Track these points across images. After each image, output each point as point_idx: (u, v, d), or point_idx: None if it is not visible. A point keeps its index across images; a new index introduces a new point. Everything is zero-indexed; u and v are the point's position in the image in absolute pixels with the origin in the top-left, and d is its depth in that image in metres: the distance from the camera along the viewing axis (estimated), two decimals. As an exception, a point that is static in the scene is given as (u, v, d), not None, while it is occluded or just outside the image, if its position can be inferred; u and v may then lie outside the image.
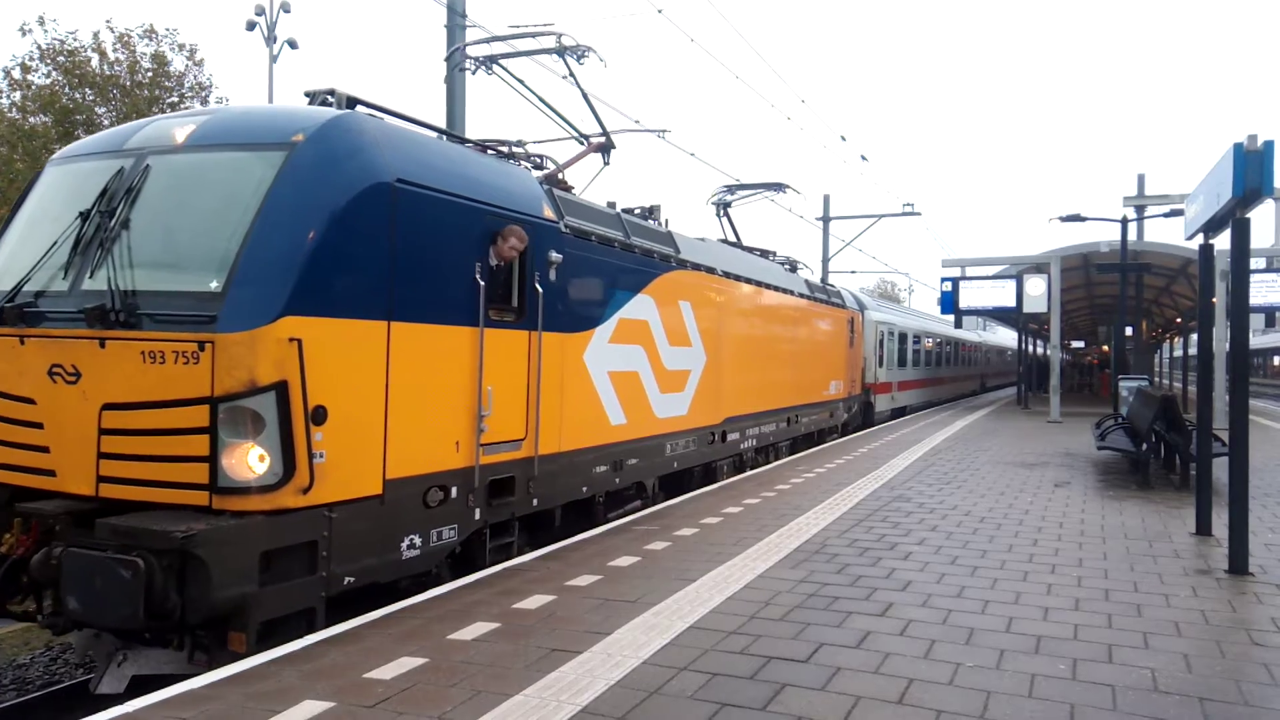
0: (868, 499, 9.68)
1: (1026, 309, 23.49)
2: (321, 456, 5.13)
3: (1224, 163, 6.41)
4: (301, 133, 5.51)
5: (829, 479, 11.22)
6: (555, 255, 7.32)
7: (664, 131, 13.37)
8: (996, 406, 29.28)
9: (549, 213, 7.45)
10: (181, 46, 22.68)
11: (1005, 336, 56.56)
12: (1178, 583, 6.23)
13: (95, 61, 21.84)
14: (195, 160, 5.64)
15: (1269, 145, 6.12)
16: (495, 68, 8.72)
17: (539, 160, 8.34)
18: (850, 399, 18.94)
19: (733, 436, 11.83)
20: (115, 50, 22.01)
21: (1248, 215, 6.56)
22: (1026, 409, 27.60)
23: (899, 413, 24.48)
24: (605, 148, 9.35)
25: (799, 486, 10.55)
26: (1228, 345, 7.14)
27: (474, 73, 8.76)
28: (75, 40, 21.75)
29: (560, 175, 8.63)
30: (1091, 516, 8.81)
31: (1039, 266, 24.06)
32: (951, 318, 28.03)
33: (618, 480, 8.73)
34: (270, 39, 21.47)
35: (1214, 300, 9.14)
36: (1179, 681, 4.32)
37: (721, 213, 14.75)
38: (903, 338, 25.07)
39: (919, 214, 31.80)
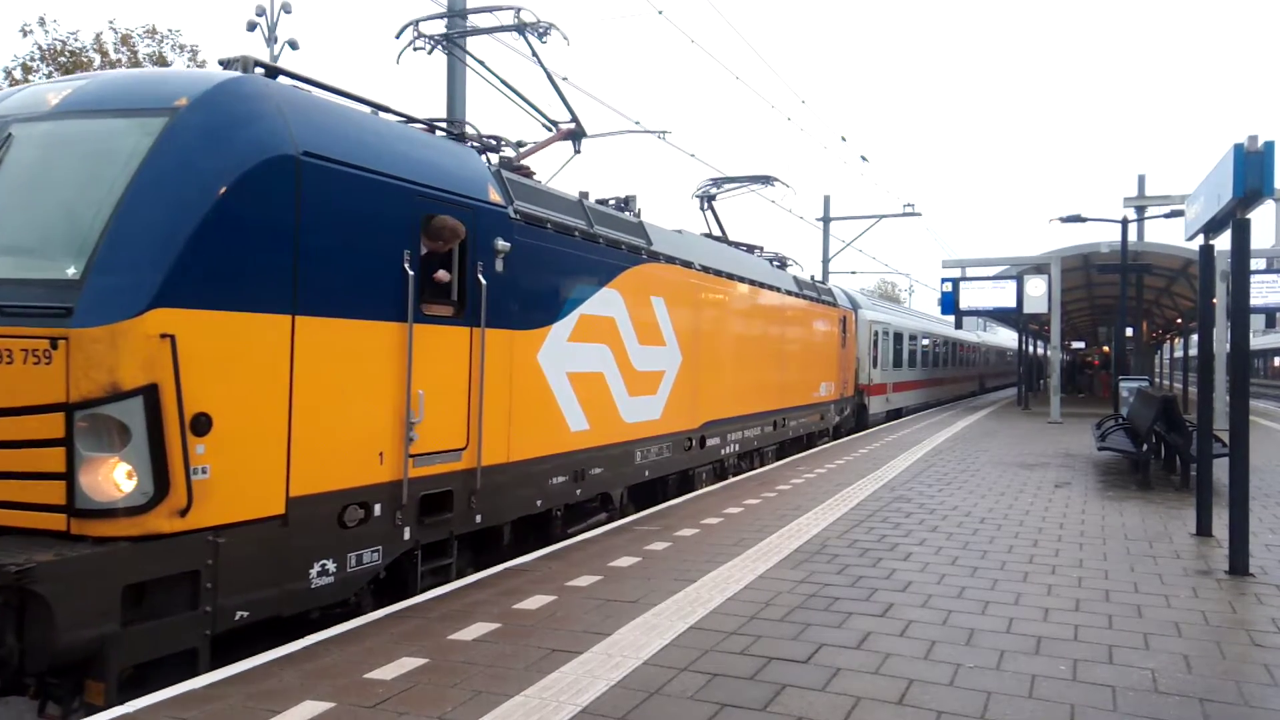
0: (868, 500, 9.68)
1: (1027, 310, 23.51)
2: (204, 472, 4.47)
3: (1224, 163, 6.41)
4: (186, 96, 4.80)
5: (829, 480, 11.22)
6: (502, 243, 6.62)
7: (664, 132, 13.42)
8: (997, 407, 29.28)
9: (495, 196, 6.73)
10: (183, 48, 22.71)
11: (1004, 337, 56.48)
12: (1178, 583, 6.23)
13: (97, 62, 21.86)
14: (64, 128, 4.90)
15: (1269, 146, 6.12)
16: (453, 47, 8.17)
17: (494, 142, 7.75)
18: (842, 401, 18.32)
19: (712, 442, 11.13)
20: (117, 51, 22.04)
21: (1248, 216, 6.56)
22: (1027, 410, 27.60)
23: (894, 415, 24.00)
24: (575, 135, 8.84)
25: (799, 487, 10.55)
26: (1228, 346, 7.14)
27: (430, 52, 8.13)
28: (77, 41, 21.78)
29: (521, 161, 8.15)
30: (1092, 517, 8.80)
31: (1039, 267, 24.07)
32: (949, 317, 27.90)
33: (579, 492, 7.99)
34: (271, 39, 21.48)
35: (1214, 301, 9.14)
36: (1179, 682, 4.32)
37: (706, 206, 14.14)
38: (898, 338, 24.45)
39: (919, 214, 31.83)
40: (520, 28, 8.19)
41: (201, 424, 4.45)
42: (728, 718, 3.86)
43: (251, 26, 21.27)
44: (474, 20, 8.16)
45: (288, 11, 20.95)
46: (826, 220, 34.74)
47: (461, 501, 6.33)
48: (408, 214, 5.79)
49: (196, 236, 4.48)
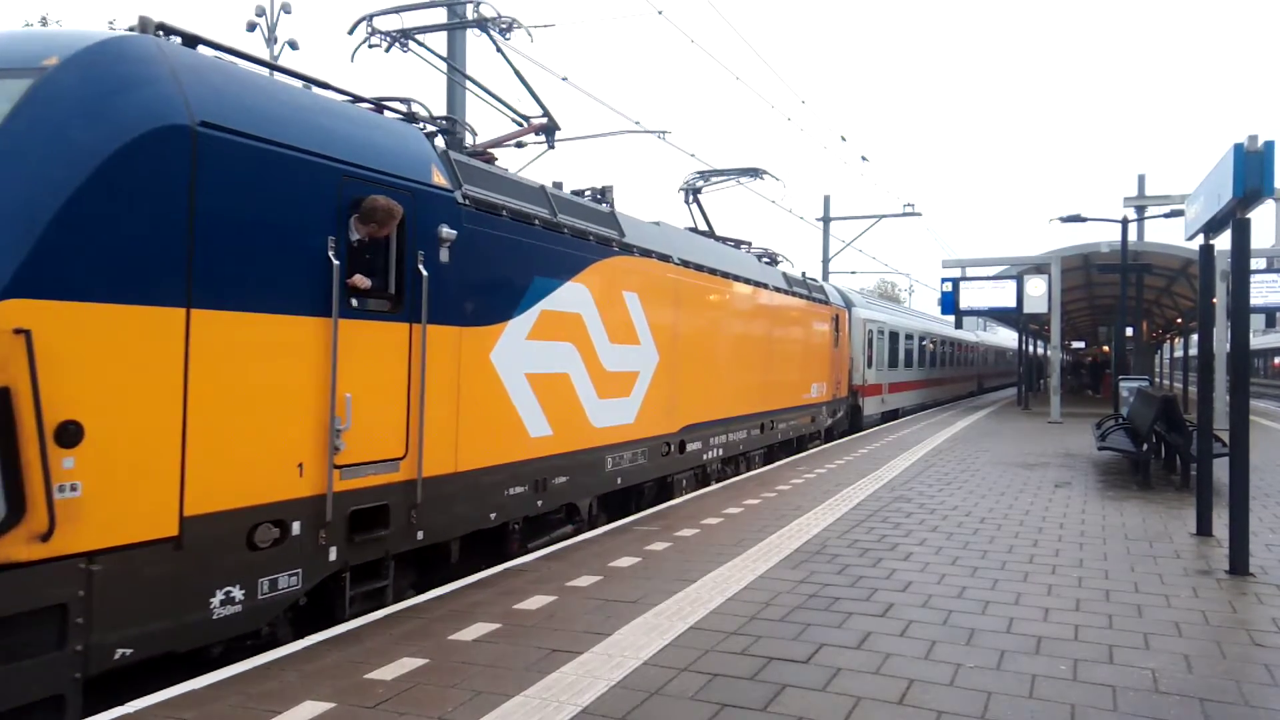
0: (868, 500, 9.68)
1: (1027, 309, 23.50)
2: (73, 490, 3.92)
3: (1224, 163, 6.41)
4: (56, 55, 4.24)
5: (829, 480, 11.22)
6: (448, 231, 6.04)
7: (664, 133, 13.41)
8: (997, 407, 29.28)
9: (440, 179, 6.15)
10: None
11: (1003, 336, 56.44)
12: (1178, 583, 6.23)
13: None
14: None
15: (1269, 146, 6.12)
16: (411, 44, 7.58)
17: (450, 124, 7.20)
18: (835, 402, 17.73)
19: (693, 446, 10.52)
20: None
21: (1248, 216, 6.56)
22: (1027, 409, 27.60)
23: (890, 416, 23.53)
24: (547, 129, 8.45)
25: (799, 487, 10.54)
26: (1228, 346, 7.14)
27: (387, 50, 7.53)
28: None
29: (488, 151, 7.80)
30: (1092, 517, 8.80)
31: (1039, 267, 24.06)
32: (947, 316, 27.84)
33: (540, 503, 7.35)
34: (271, 40, 21.48)
35: (1214, 301, 9.13)
36: (1179, 682, 4.32)
37: (691, 199, 13.53)
38: (894, 337, 23.88)
39: (919, 214, 31.84)
40: (480, 23, 7.73)
41: (69, 434, 3.89)
42: (728, 718, 3.85)
43: (251, 27, 21.27)
44: (432, 15, 7.77)
45: (287, 12, 20.96)
46: (826, 220, 34.76)
47: (400, 517, 5.73)
48: (332, 195, 5.19)
49: (62, 217, 3.93)
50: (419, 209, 5.87)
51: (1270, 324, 24.90)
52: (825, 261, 34.40)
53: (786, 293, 14.29)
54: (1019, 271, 24.09)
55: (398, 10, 7.63)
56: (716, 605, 5.52)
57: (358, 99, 6.34)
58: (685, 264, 10.35)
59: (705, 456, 10.96)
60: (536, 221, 7.30)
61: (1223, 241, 7.35)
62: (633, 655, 4.59)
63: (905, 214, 31.87)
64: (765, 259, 14.55)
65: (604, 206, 9.04)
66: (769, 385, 13.33)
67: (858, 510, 9.00)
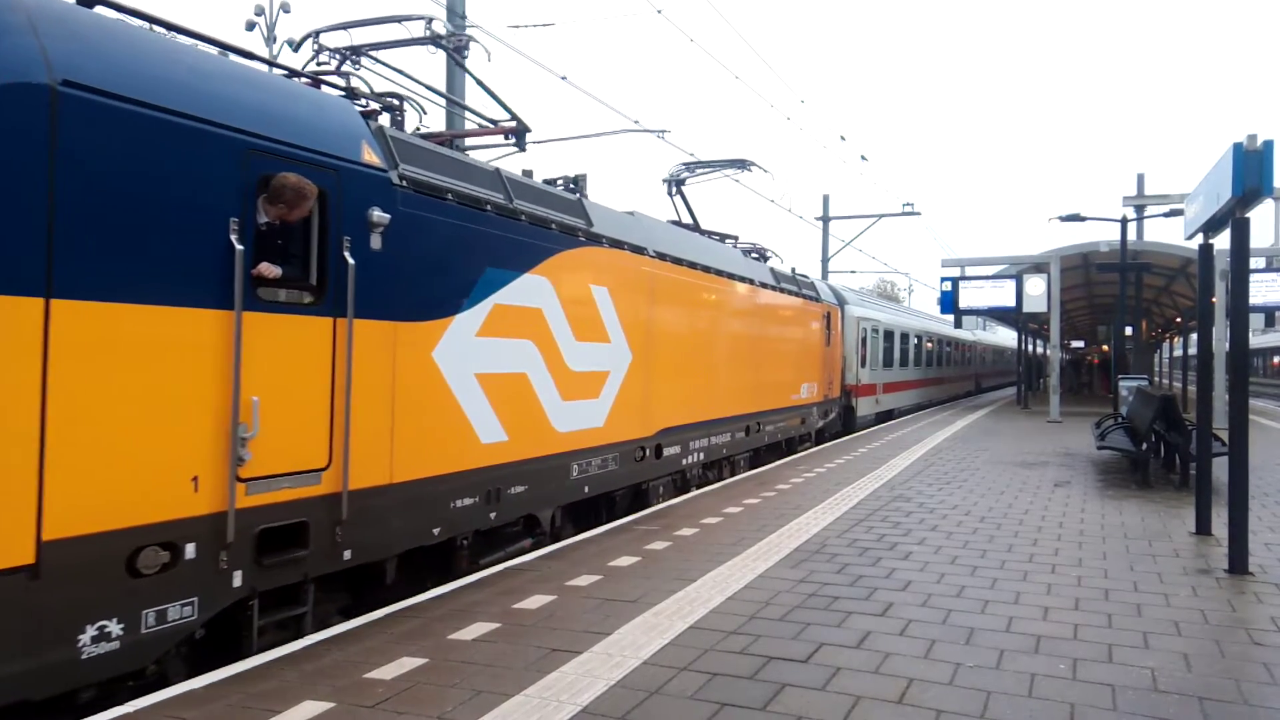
0: (868, 499, 9.68)
1: (1026, 309, 23.51)
2: None
3: (1223, 162, 6.41)
4: None
5: (829, 479, 11.22)
6: (380, 215, 5.47)
7: (664, 132, 13.41)
8: (996, 406, 29.28)
9: (371, 157, 5.56)
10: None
11: (1001, 335, 56.40)
12: (1178, 582, 6.23)
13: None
14: None
15: (1268, 145, 6.12)
16: (363, 60, 7.09)
17: (392, 104, 6.64)
18: (826, 403, 17.15)
19: (670, 451, 9.90)
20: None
21: (1247, 215, 6.56)
22: (1026, 409, 27.61)
23: (884, 417, 23.10)
24: (517, 133, 8.05)
25: (799, 486, 10.55)
26: (1227, 345, 7.15)
27: (338, 68, 6.92)
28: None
29: (453, 142, 7.53)
30: (1091, 516, 8.81)
31: (1039, 266, 24.08)
32: (946, 316, 27.82)
33: (493, 515, 6.74)
34: (270, 39, 21.47)
35: (1214, 300, 9.14)
36: (1179, 681, 4.32)
37: (674, 190, 12.89)
38: (888, 335, 23.40)
39: (919, 214, 31.86)
40: (434, 40, 7.31)
41: None
42: (728, 717, 3.86)
43: (250, 26, 21.25)
44: (383, 31, 7.31)
45: (286, 11, 20.95)
46: (826, 219, 34.77)
47: (321, 535, 5.12)
48: (234, 171, 4.60)
49: None
50: (345, 189, 5.26)
51: (1269, 323, 24.91)
52: (824, 261, 34.41)
53: (774, 289, 13.72)
54: (1018, 271, 24.10)
55: (345, 26, 7.09)
56: (716, 604, 5.52)
57: (294, 73, 5.96)
58: (662, 257, 9.76)
59: (685, 461, 10.37)
60: (489, 207, 6.68)
61: (1222, 241, 7.35)
62: (632, 654, 4.59)
63: (905, 213, 31.90)
64: (754, 255, 14.10)
65: (570, 194, 8.46)
66: (755, 385, 12.77)
67: (857, 509, 9.00)
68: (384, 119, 6.47)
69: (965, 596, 5.80)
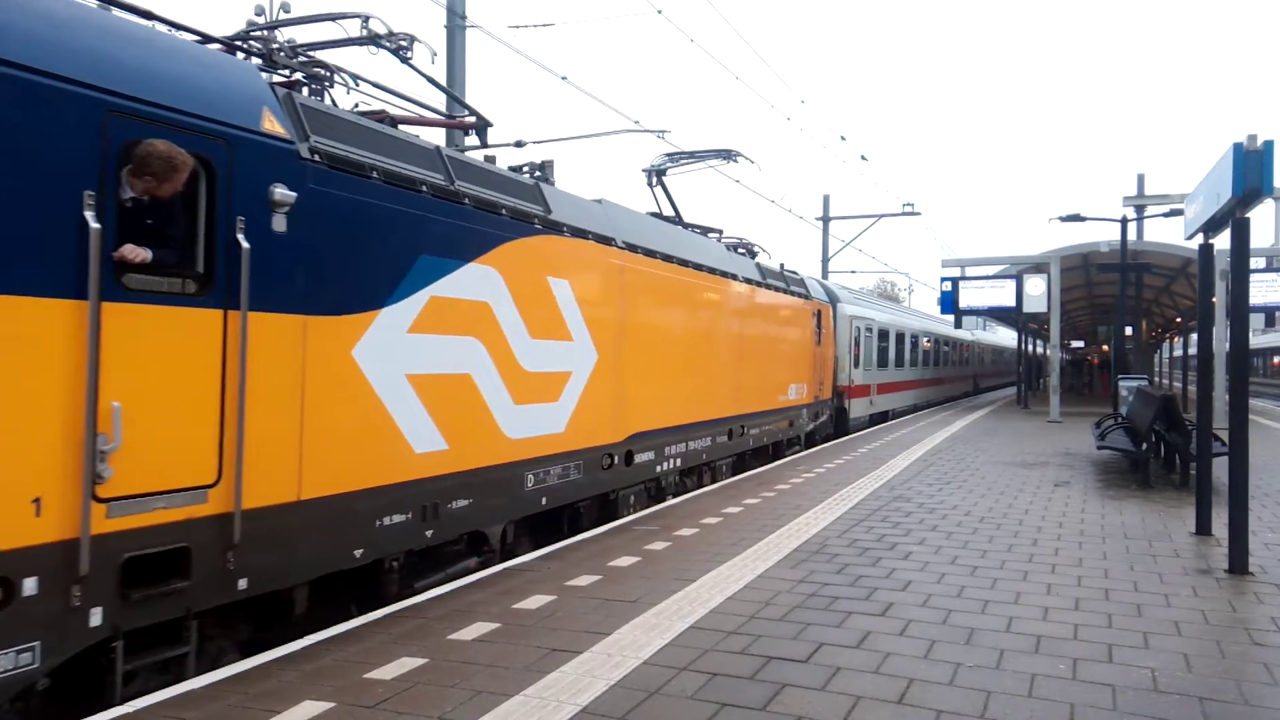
0: (867, 499, 9.68)
1: (1026, 309, 23.51)
2: None
3: (1224, 162, 6.41)
4: None
5: (828, 479, 11.22)
6: (284, 192, 4.80)
7: (664, 132, 13.40)
8: (996, 406, 29.29)
9: (274, 126, 4.86)
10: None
11: (1000, 335, 56.33)
12: (1178, 582, 6.23)
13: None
14: None
15: (1269, 145, 6.12)
16: (300, 58, 6.46)
17: (318, 74, 6.12)
18: (817, 404, 16.44)
19: (643, 458, 9.23)
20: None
21: (1247, 215, 6.56)
22: (1026, 409, 27.62)
23: (879, 419, 22.40)
24: (476, 128, 7.67)
25: (798, 487, 10.55)
26: (1227, 345, 7.14)
27: (272, 73, 6.19)
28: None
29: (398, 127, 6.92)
30: (1091, 516, 8.81)
31: (1039, 266, 24.08)
32: (946, 317, 27.76)
33: (430, 533, 6.07)
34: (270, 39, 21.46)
35: (1214, 300, 9.14)
36: (1179, 681, 4.32)
37: (655, 181, 12.31)
38: (883, 335, 22.73)
39: (919, 214, 31.87)
40: (373, 39, 6.81)
41: None
42: (727, 717, 3.85)
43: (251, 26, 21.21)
44: (319, 30, 6.88)
45: (286, 11, 20.95)
46: (826, 220, 34.78)
47: (208, 562, 4.46)
48: (90, 136, 3.97)
49: None
50: (239, 162, 4.57)
51: (1269, 323, 24.91)
52: (825, 261, 34.42)
53: (760, 285, 13.04)
54: (1018, 271, 24.10)
55: (278, 25, 6.59)
56: (716, 604, 5.52)
57: (207, 39, 5.48)
58: (632, 249, 9.04)
59: (659, 468, 9.66)
60: (425, 188, 6.03)
61: (1222, 241, 7.35)
62: (632, 655, 4.59)
63: (905, 213, 31.91)
64: (742, 250, 13.54)
65: (527, 178, 7.77)
66: (738, 387, 12.11)
67: (857, 509, 9.00)
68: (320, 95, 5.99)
69: (965, 596, 5.80)
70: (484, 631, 4.97)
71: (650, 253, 9.48)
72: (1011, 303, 23.26)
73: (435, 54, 7.46)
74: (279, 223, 4.85)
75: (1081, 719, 3.87)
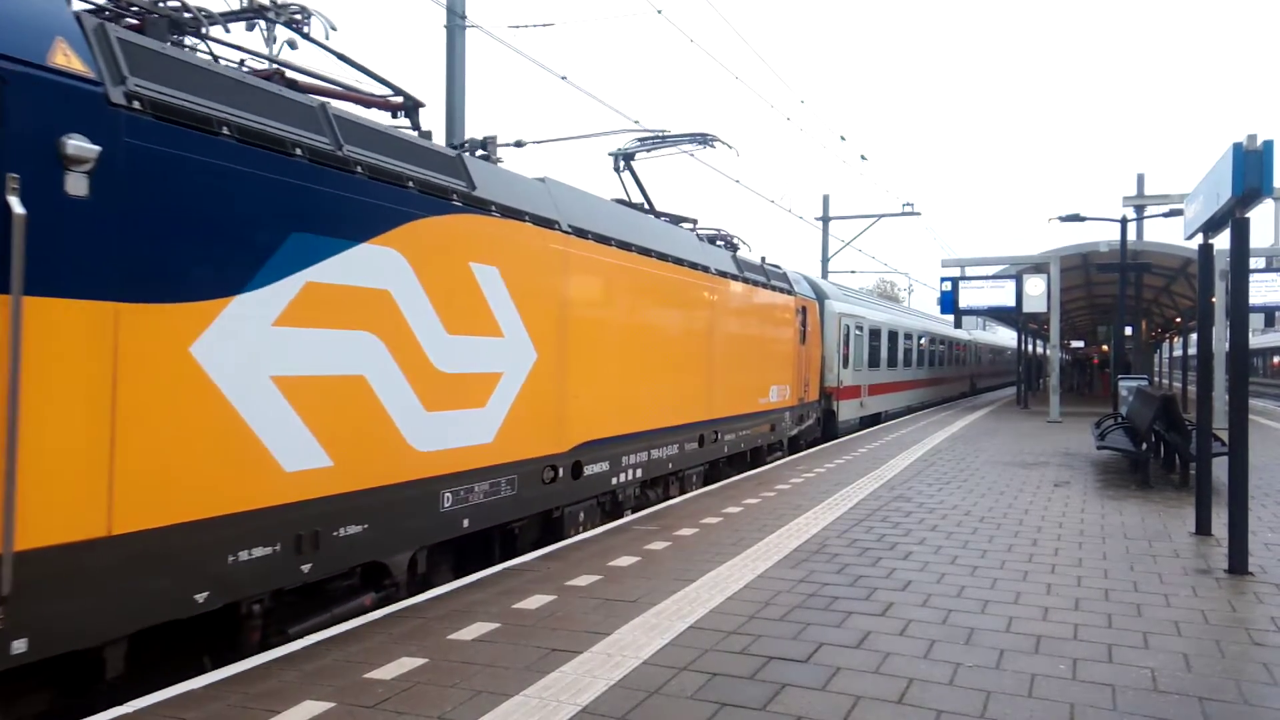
0: (867, 499, 9.68)
1: (1026, 309, 23.53)
2: None
3: (1223, 162, 6.41)
4: None
5: (828, 479, 11.22)
6: (82, 146, 3.87)
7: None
8: (996, 406, 29.29)
9: (72, 63, 3.95)
10: (181, 47, 22.67)
11: (999, 335, 56.26)
12: (1178, 582, 6.24)
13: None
14: None
15: (1268, 145, 6.13)
16: (189, 37, 5.53)
17: (177, 17, 5.27)
18: (802, 407, 15.55)
19: (595, 469, 8.28)
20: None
21: (1247, 215, 6.57)
22: (1026, 409, 27.62)
23: (870, 421, 21.64)
24: (404, 109, 6.81)
25: (798, 487, 10.55)
26: (1227, 345, 7.15)
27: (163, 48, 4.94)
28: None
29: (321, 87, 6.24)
30: (1091, 516, 8.81)
31: (1039, 266, 24.10)
32: (939, 313, 27.66)
33: (308, 567, 5.03)
34: (270, 39, 21.49)
35: (1213, 300, 9.14)
36: (1179, 681, 4.32)
37: (622, 167, 11.48)
38: (874, 334, 21.87)
39: (919, 214, 31.87)
40: (258, 11, 6.03)
41: None
42: (727, 717, 3.86)
43: (251, 27, 21.23)
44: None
45: (287, 11, 20.95)
46: (826, 219, 34.78)
47: None
48: None
49: None
50: (9, 104, 3.69)
51: (1269, 323, 24.91)
52: (825, 261, 34.43)
53: (737, 279, 12.10)
54: (1018, 271, 24.12)
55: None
56: (716, 604, 5.52)
57: None
58: (581, 234, 8.04)
59: (614, 481, 8.68)
60: (299, 151, 5.05)
61: (1222, 241, 7.36)
62: (632, 654, 4.59)
63: (904, 213, 31.90)
64: (721, 242, 12.76)
65: (444, 148, 6.70)
66: (712, 388, 11.14)
67: (857, 509, 9.00)
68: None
69: (965, 596, 5.80)
70: (484, 631, 4.97)
71: (604, 239, 8.47)
72: (1011, 303, 23.29)
73: (334, 28, 6.46)
74: (76, 184, 3.90)
75: (1081, 719, 3.87)
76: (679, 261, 10.17)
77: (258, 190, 4.78)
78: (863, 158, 30.98)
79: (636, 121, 13.60)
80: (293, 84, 5.83)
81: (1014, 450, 15.10)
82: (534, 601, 5.56)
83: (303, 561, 5.03)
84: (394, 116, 6.83)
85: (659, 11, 13.73)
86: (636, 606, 5.47)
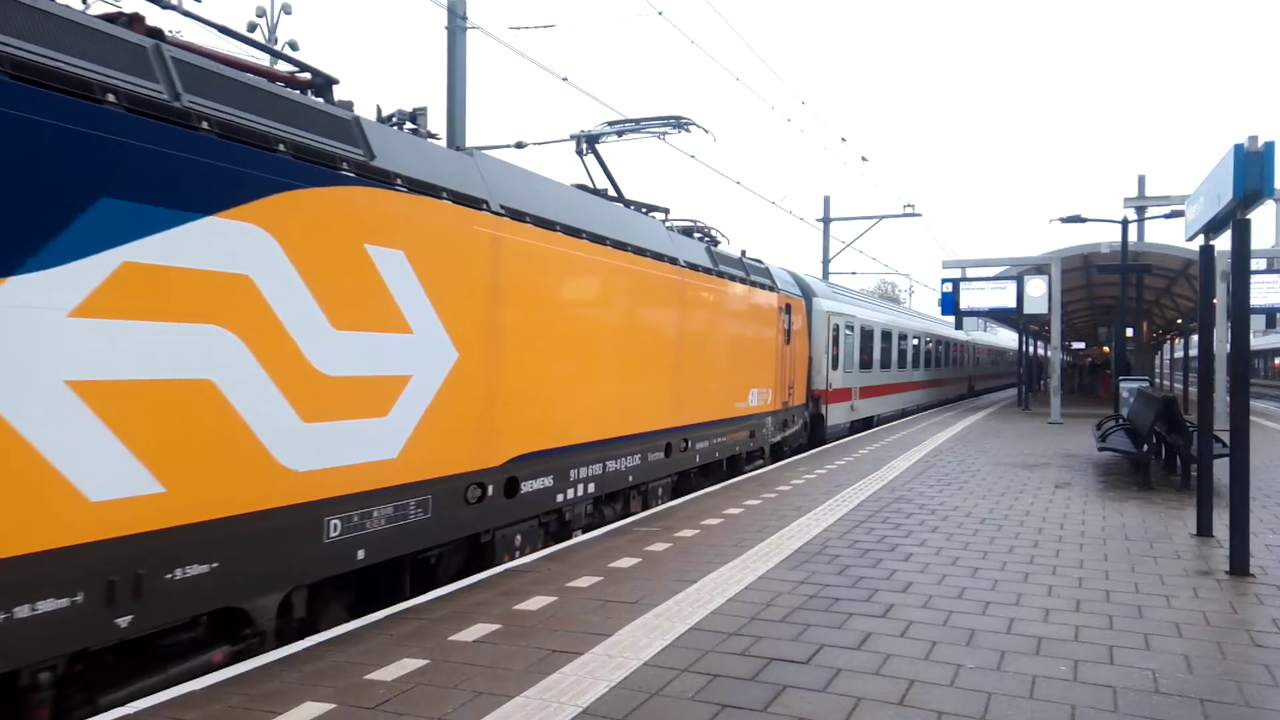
0: (868, 500, 9.68)
1: (1027, 310, 23.52)
2: None
3: (1224, 164, 6.42)
4: None
5: (829, 480, 11.22)
6: None
7: (664, 133, 13.38)
8: (997, 408, 29.28)
9: None
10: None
11: (998, 335, 56.14)
12: (1179, 584, 6.23)
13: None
14: None
15: (1269, 146, 6.13)
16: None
17: None
18: (786, 411, 14.61)
19: (534, 485, 7.25)
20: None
21: (1248, 216, 6.57)
22: (1027, 410, 27.61)
23: (862, 425, 20.57)
24: (313, 87, 5.84)
25: (799, 488, 10.54)
26: (1228, 346, 7.14)
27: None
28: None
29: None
30: (1092, 518, 8.80)
31: (1039, 268, 24.09)
32: (944, 315, 27.54)
33: (128, 620, 4.07)
34: (271, 40, 21.50)
35: (1214, 301, 9.14)
36: (1180, 683, 4.32)
37: (585, 149, 10.73)
38: (866, 333, 20.85)
39: (919, 215, 31.87)
40: None
41: None
42: (728, 718, 3.86)
43: (252, 28, 21.27)
44: None
45: (288, 13, 20.97)
46: (826, 221, 34.79)
47: None
48: None
49: None
50: None
51: (1270, 324, 24.87)
52: (825, 262, 34.43)
53: (711, 273, 11.13)
54: (1019, 272, 24.11)
55: None
56: (717, 606, 5.52)
57: None
58: (516, 216, 7.02)
59: (560, 498, 7.68)
60: (113, 98, 4.09)
61: (1223, 242, 7.36)
62: (633, 656, 4.59)
63: (905, 214, 31.90)
64: (698, 234, 11.98)
65: (336, 109, 5.65)
66: (680, 392, 10.17)
67: (858, 511, 9.00)
68: None
69: (966, 598, 5.80)
70: (485, 632, 4.98)
71: (548, 224, 7.48)
72: (1012, 304, 23.27)
73: None
74: None
75: (1082, 720, 3.87)
76: (641, 252, 9.27)
77: (49, 143, 3.81)
78: (864, 159, 30.98)
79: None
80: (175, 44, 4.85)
81: (1015, 451, 15.10)
82: (535, 603, 5.56)
83: (118, 614, 4.04)
84: (304, 93, 5.83)
85: (660, 13, 13.74)
86: (637, 608, 5.47)
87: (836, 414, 18.26)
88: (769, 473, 11.96)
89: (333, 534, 5.23)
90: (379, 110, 6.80)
